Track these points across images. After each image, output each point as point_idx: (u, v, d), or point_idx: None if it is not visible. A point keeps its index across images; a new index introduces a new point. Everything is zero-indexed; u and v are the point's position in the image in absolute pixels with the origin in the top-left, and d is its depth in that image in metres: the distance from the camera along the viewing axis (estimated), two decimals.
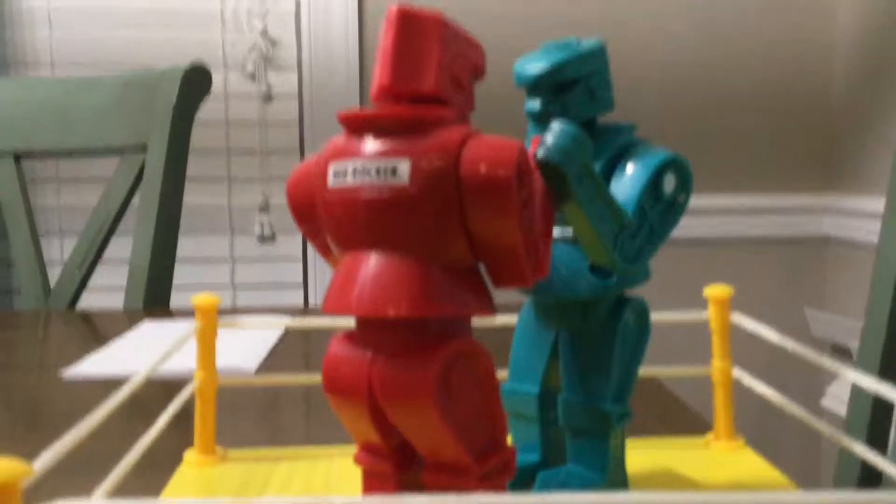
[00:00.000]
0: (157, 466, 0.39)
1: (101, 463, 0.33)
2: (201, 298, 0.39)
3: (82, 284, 1.14)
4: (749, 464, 0.39)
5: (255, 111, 1.61)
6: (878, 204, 1.47)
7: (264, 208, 1.63)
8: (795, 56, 1.61)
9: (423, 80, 0.25)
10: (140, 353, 0.85)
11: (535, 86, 0.31)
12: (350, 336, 0.27)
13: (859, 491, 0.49)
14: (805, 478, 1.62)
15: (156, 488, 0.37)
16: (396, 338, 0.25)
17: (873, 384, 0.33)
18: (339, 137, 0.26)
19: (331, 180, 0.26)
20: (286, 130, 1.62)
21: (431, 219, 0.25)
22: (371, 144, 0.25)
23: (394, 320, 0.25)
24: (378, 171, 0.25)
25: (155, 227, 1.10)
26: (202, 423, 0.39)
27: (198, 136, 1.36)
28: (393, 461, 0.27)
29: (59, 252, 1.64)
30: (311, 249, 1.65)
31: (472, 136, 0.25)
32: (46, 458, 0.23)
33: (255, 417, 0.60)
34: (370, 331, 0.26)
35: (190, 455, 0.40)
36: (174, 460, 0.40)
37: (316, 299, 1.65)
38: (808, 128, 1.63)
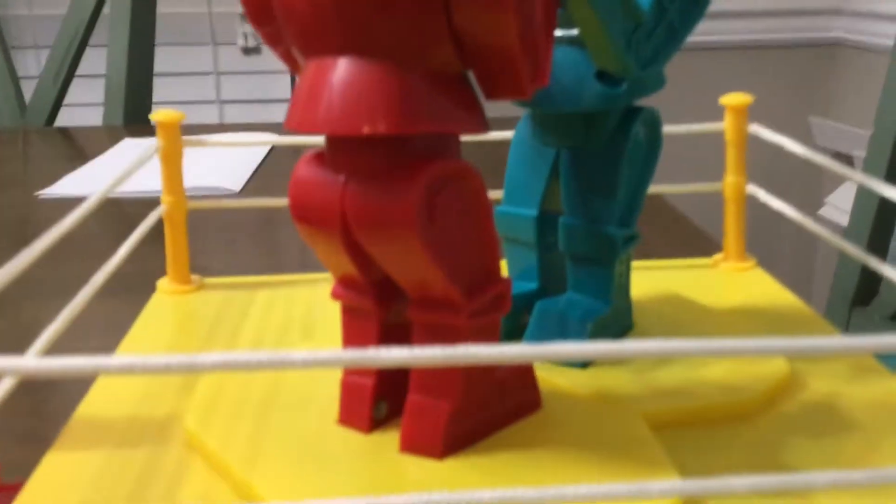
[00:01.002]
0: (140, 290, 0.37)
1: (82, 285, 0.31)
2: (162, 114, 0.36)
3: (59, 100, 1.09)
4: (760, 285, 0.36)
5: None
6: (893, 4, 1.39)
7: (246, 17, 1.54)
8: None
9: None
10: (120, 170, 0.81)
11: None
12: (320, 156, 0.23)
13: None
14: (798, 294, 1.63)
15: (133, 315, 0.35)
16: (373, 158, 0.22)
17: (881, 186, 0.30)
18: None
19: None
20: None
21: (409, 14, 0.20)
22: None
23: (369, 138, 0.21)
24: None
25: (129, 36, 1.04)
26: (173, 251, 0.37)
27: None
28: (374, 296, 0.24)
29: (35, 66, 1.57)
30: None
31: None
32: None
33: (247, 240, 0.57)
34: (342, 150, 0.22)
35: (163, 284, 0.37)
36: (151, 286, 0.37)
37: None
38: None
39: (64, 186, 0.75)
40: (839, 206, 1.51)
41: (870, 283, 0.92)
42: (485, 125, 0.22)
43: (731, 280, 0.37)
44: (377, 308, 0.24)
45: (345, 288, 0.25)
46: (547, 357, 0.18)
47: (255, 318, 0.34)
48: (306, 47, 0.22)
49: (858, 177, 0.32)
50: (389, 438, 0.24)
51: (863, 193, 0.92)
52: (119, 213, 0.65)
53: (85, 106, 1.31)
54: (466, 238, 0.23)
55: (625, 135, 0.29)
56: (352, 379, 0.25)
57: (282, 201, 0.36)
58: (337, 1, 0.20)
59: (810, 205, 1.58)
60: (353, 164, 0.22)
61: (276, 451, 0.24)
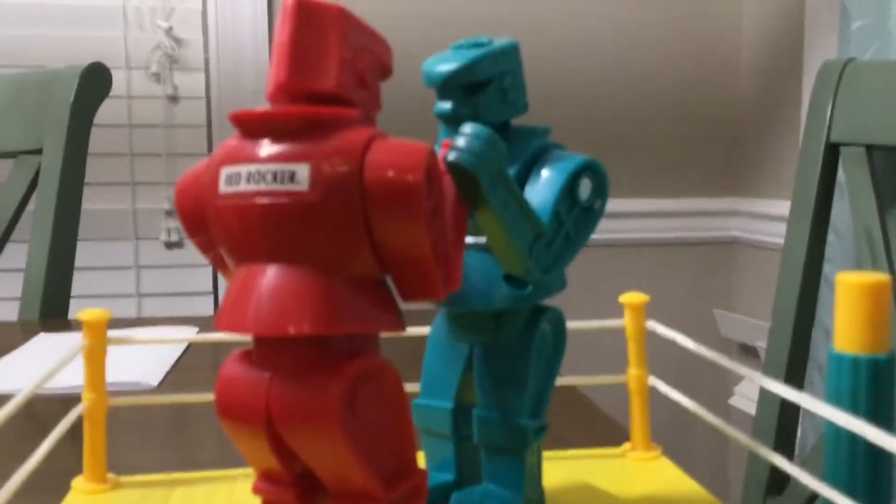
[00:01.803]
0: (50, 490, 0.36)
1: None
2: (89, 313, 0.36)
3: None
4: (666, 474, 0.38)
5: (161, 113, 1.55)
6: (783, 207, 1.51)
7: (171, 213, 1.57)
8: (702, 64, 1.64)
9: (323, 77, 0.23)
10: (34, 367, 0.80)
11: (445, 86, 0.30)
12: (246, 355, 0.24)
13: None
14: (714, 480, 1.65)
15: None
16: (297, 357, 0.23)
17: (780, 388, 0.32)
18: (232, 140, 0.24)
19: (223, 187, 0.23)
20: (193, 132, 1.57)
21: (333, 228, 0.23)
22: (267, 147, 0.23)
23: (294, 338, 0.23)
24: (275, 177, 0.23)
25: (52, 234, 1.05)
26: (91, 449, 0.36)
27: (100, 139, 1.31)
28: (295, 491, 0.25)
29: None
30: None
31: (378, 139, 0.23)
32: None
33: (162, 436, 0.57)
34: (268, 349, 0.24)
35: (78, 483, 0.37)
36: (68, 483, 0.37)
37: None
38: (715, 133, 1.66)
39: None
40: (747, 395, 1.56)
41: (781, 470, 0.94)
42: (401, 324, 0.24)
43: (638, 469, 0.38)
44: (298, 502, 0.25)
45: (266, 482, 0.25)
46: None
47: None
48: (238, 255, 0.24)
49: (756, 377, 0.34)
50: None
51: (765, 390, 0.95)
52: (30, 409, 0.63)
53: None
54: (385, 431, 0.24)
55: (532, 332, 0.31)
56: None
57: (203, 397, 0.37)
58: (265, 219, 0.23)
59: (722, 391, 1.63)
60: (278, 362, 0.23)
61: None
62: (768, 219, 1.56)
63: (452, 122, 0.30)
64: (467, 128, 0.26)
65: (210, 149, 1.57)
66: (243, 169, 0.23)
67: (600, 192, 0.31)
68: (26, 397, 0.32)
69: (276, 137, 0.23)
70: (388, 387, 0.24)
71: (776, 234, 1.48)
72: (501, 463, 0.31)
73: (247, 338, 0.25)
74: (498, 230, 0.27)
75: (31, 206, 1.08)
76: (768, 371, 0.94)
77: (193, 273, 1.61)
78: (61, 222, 1.06)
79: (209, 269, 1.60)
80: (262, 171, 0.23)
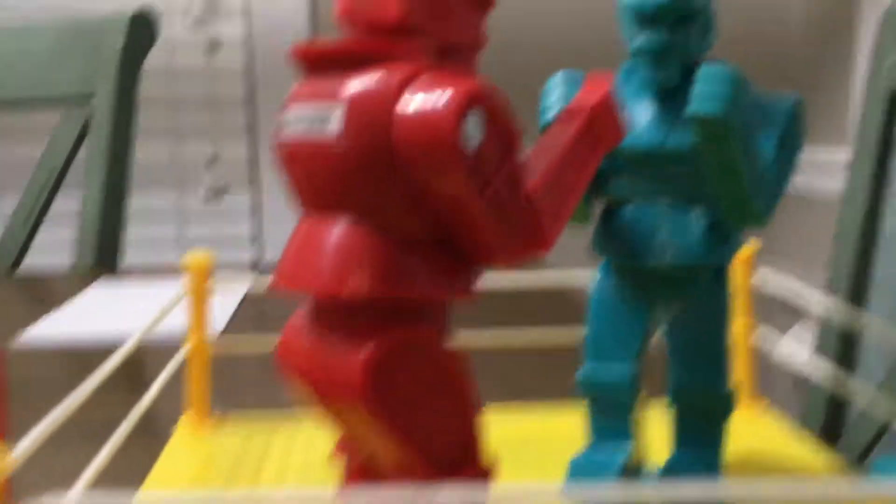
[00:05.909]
0: (151, 434, 0.36)
1: (82, 433, 0.30)
2: (193, 257, 0.36)
3: (27, 243, 1.09)
4: (775, 428, 0.37)
5: (201, 60, 1.54)
6: (830, 153, 1.48)
7: (213, 161, 1.57)
8: (752, 16, 1.60)
9: (384, 2, 0.20)
10: (96, 316, 0.80)
11: (655, 16, 0.27)
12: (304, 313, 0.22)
13: None
14: None
15: (149, 459, 0.34)
16: (334, 321, 0.20)
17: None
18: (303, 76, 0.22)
19: (284, 130, 0.21)
20: (234, 79, 1.57)
21: (367, 181, 0.19)
22: (315, 86, 0.20)
23: (331, 300, 0.20)
24: (313, 120, 0.20)
25: (105, 181, 1.05)
26: (196, 389, 0.37)
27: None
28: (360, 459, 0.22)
29: None
30: (265, 203, 1.60)
31: (421, 75, 0.19)
32: (30, 442, 0.20)
33: (243, 382, 0.57)
34: (310, 309, 0.21)
35: (185, 422, 0.37)
36: (165, 424, 0.37)
37: (273, 255, 1.60)
38: (764, 82, 1.63)
39: (40, 332, 0.74)
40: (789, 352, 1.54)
41: (834, 424, 0.93)
42: (465, 291, 0.21)
43: (747, 423, 0.37)
44: (360, 477, 0.22)
45: (347, 444, 0.23)
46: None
47: (276, 456, 0.34)
48: (301, 205, 0.21)
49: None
50: None
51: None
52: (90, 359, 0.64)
53: (49, 248, 1.30)
54: (432, 413, 0.21)
55: (723, 290, 0.29)
56: None
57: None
58: (304, 168, 0.20)
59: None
60: (317, 326, 0.21)
61: None
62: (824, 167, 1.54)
63: (661, 57, 0.27)
64: (711, 69, 0.24)
65: (252, 96, 1.56)
66: (294, 111, 0.21)
67: (803, 130, 0.29)
68: (137, 342, 0.32)
69: (326, 74, 0.20)
70: (437, 363, 0.20)
71: (820, 184, 1.45)
72: (700, 429, 0.30)
73: None
74: (733, 176, 0.26)
75: (80, 154, 1.08)
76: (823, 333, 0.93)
77: (236, 221, 1.61)
78: (114, 172, 1.06)
79: (250, 219, 1.60)
80: (304, 113, 0.20)
